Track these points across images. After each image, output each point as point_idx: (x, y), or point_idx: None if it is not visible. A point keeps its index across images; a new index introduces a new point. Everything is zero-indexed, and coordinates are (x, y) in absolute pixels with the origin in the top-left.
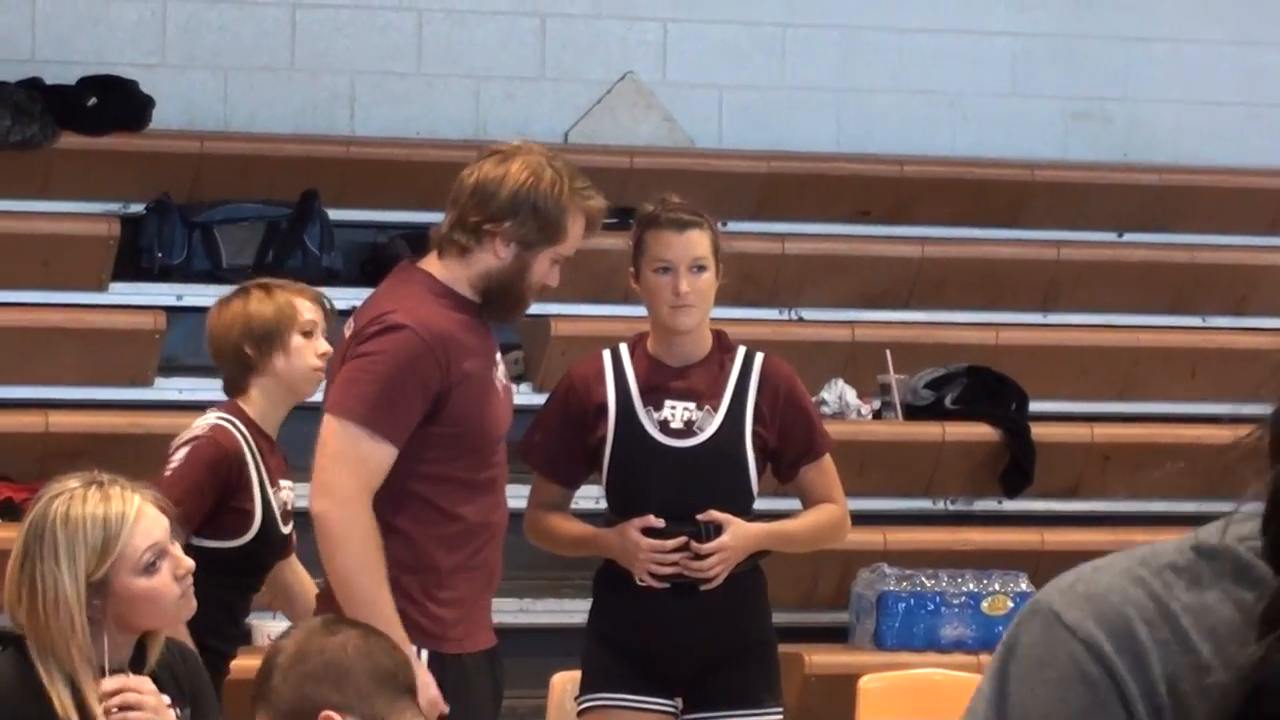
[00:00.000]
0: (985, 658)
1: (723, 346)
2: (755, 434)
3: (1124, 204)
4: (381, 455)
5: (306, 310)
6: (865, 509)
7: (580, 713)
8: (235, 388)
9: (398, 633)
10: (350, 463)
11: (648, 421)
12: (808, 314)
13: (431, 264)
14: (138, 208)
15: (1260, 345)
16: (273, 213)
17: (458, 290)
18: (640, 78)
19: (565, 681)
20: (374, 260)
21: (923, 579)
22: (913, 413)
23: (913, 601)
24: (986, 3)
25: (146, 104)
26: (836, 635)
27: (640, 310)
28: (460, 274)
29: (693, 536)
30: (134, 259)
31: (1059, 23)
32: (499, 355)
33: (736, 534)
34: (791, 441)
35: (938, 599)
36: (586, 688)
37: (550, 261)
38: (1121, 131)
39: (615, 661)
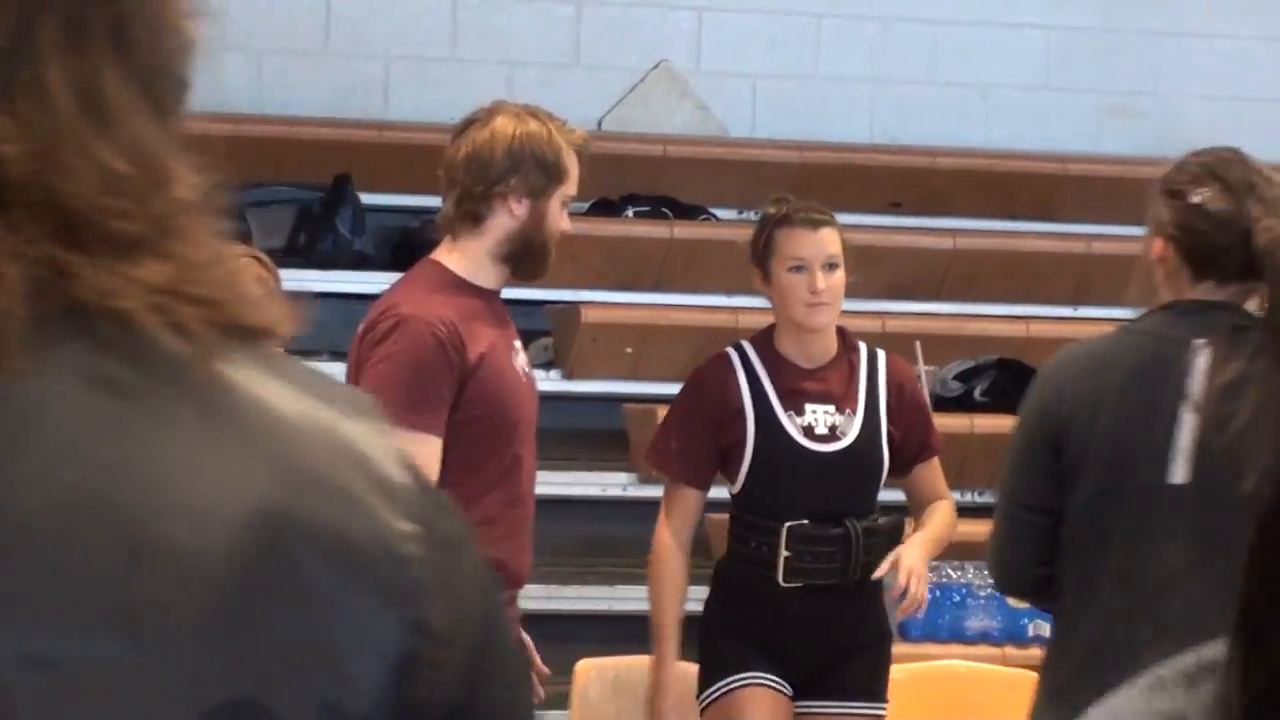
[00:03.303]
0: (1010, 650)
1: (848, 345)
2: (889, 435)
3: None
4: (432, 450)
5: (253, 285)
6: (892, 500)
7: (717, 699)
8: None
9: None
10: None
11: (791, 427)
12: None
13: (443, 254)
14: None
15: None
16: (304, 196)
17: (470, 278)
18: (674, 66)
19: (590, 668)
20: (405, 245)
21: (949, 570)
22: (942, 404)
23: (939, 593)
24: None
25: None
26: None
27: (672, 298)
28: (477, 250)
29: (840, 539)
30: None
31: (1092, 16)
32: (518, 343)
33: (910, 556)
34: (911, 440)
35: (964, 590)
36: (723, 671)
37: (560, 205)
38: (1154, 126)
39: (746, 648)
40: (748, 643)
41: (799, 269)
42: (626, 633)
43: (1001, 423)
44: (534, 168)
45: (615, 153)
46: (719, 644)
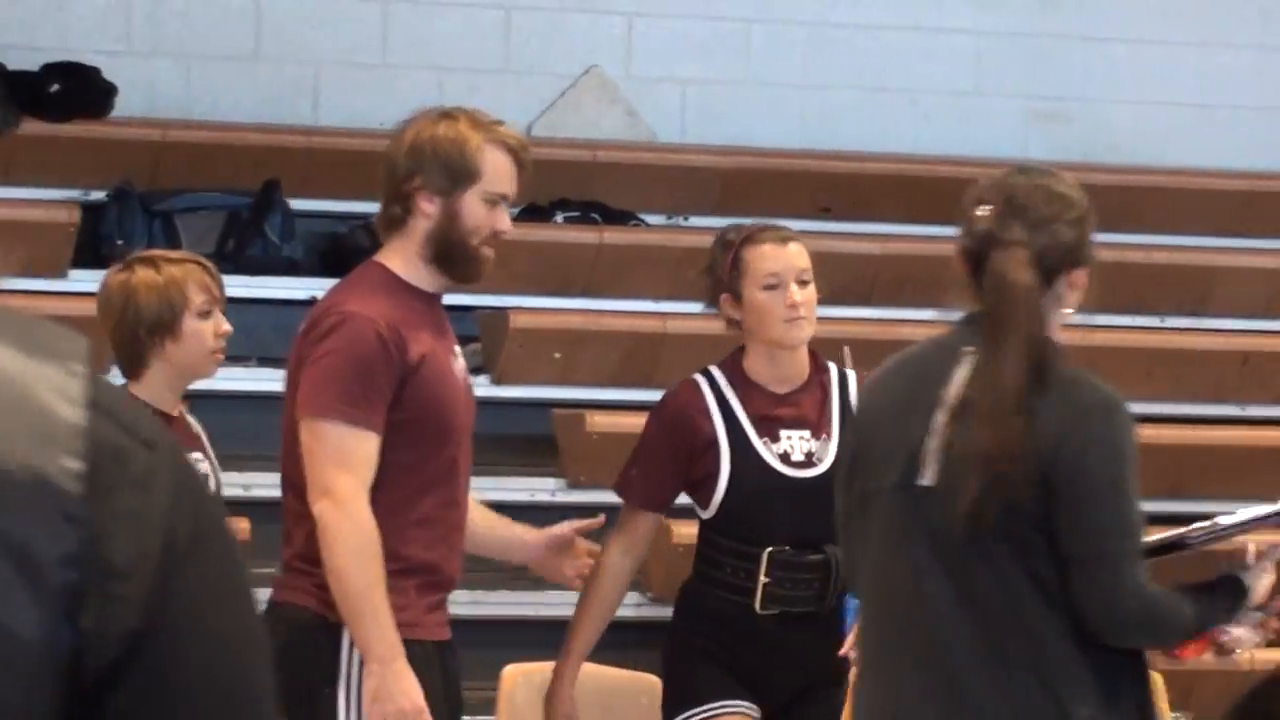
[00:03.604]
0: None
1: (819, 367)
2: None
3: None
4: (370, 447)
5: (197, 292)
6: None
7: None
8: (133, 371)
9: (390, 633)
10: (343, 462)
11: (768, 455)
12: None
13: (384, 256)
14: (99, 195)
15: (1217, 346)
16: (234, 201)
17: (410, 279)
18: (604, 71)
19: (517, 674)
20: (335, 250)
21: None
22: None
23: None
24: (950, 1)
25: (109, 91)
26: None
27: (601, 303)
28: (409, 252)
29: (819, 565)
30: (94, 246)
31: (1021, 22)
32: (457, 347)
33: None
34: None
35: None
36: (694, 700)
37: (481, 202)
38: (1082, 131)
39: (718, 675)
40: (719, 669)
41: (773, 286)
42: (554, 638)
43: None
44: (434, 165)
45: (545, 158)
46: (689, 670)
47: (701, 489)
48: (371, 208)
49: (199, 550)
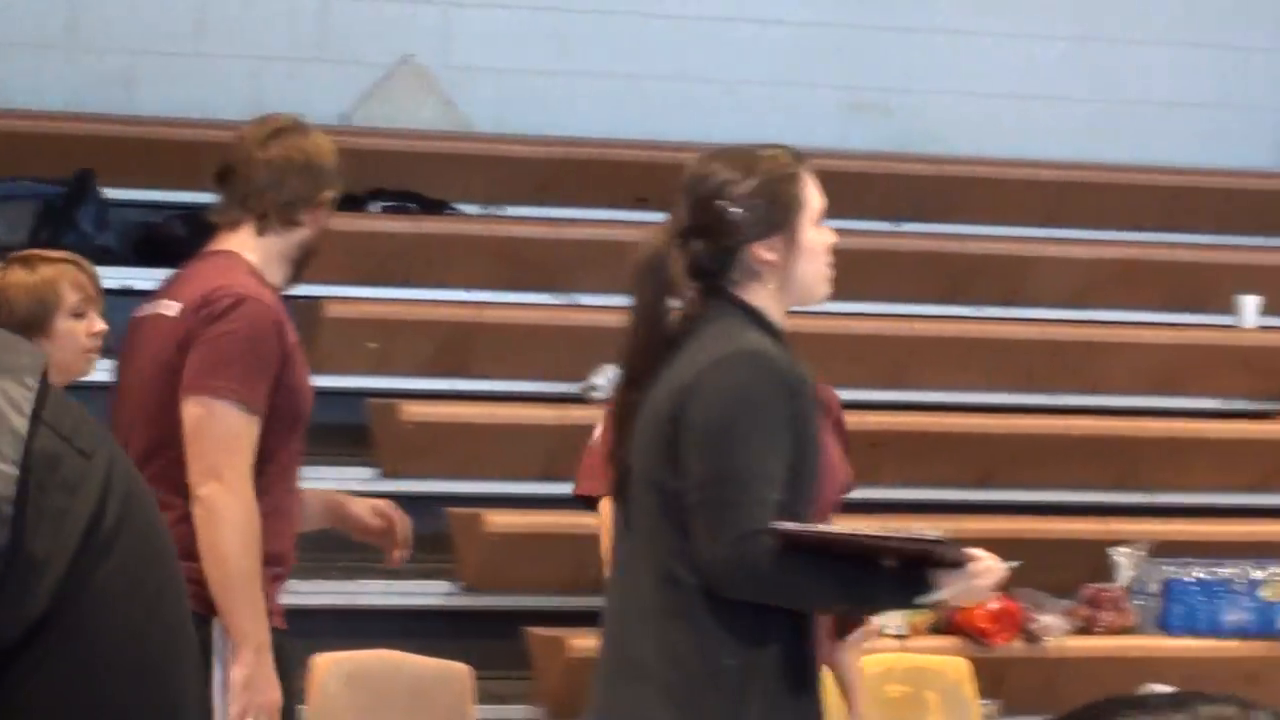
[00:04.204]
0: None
1: None
2: None
3: (900, 194)
4: (255, 432)
5: (71, 291)
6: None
7: None
8: None
9: (265, 622)
10: (233, 446)
11: None
12: (582, 299)
13: (240, 247)
14: None
15: (1031, 335)
16: (47, 191)
17: (265, 273)
18: (421, 61)
19: (328, 663)
20: (149, 240)
21: None
22: None
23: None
24: None
25: None
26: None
27: (417, 293)
28: (272, 251)
29: None
30: None
31: (839, 13)
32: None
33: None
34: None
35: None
36: None
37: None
38: (900, 122)
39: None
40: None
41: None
42: (364, 628)
43: None
44: (335, 181)
45: (361, 147)
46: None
47: None
48: (188, 197)
49: (120, 549)
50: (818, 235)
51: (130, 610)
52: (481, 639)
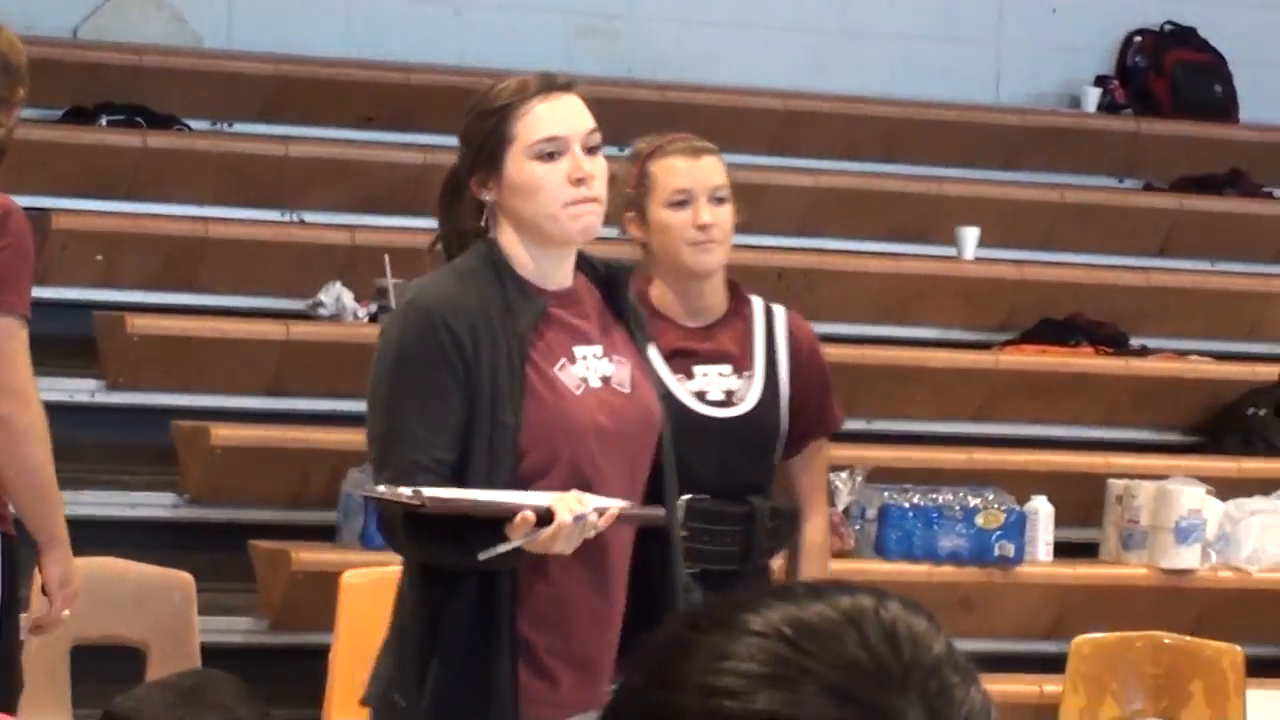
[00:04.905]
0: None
1: (738, 299)
2: (790, 400)
3: (628, 120)
4: (26, 338)
5: None
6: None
7: None
8: None
9: (63, 525)
10: (22, 358)
11: (681, 393)
12: (309, 216)
13: None
14: None
15: (756, 262)
16: None
17: None
18: None
19: None
20: None
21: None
22: None
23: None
24: None
25: None
26: (324, 534)
27: (144, 207)
28: None
29: (743, 517)
30: None
31: None
32: None
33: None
34: (806, 410)
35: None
36: None
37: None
38: (627, 47)
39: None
40: None
41: (681, 203)
42: (89, 538)
43: None
44: (20, 78)
45: (90, 61)
46: None
47: None
48: None
49: None
50: (535, 169)
51: None
52: (207, 552)
